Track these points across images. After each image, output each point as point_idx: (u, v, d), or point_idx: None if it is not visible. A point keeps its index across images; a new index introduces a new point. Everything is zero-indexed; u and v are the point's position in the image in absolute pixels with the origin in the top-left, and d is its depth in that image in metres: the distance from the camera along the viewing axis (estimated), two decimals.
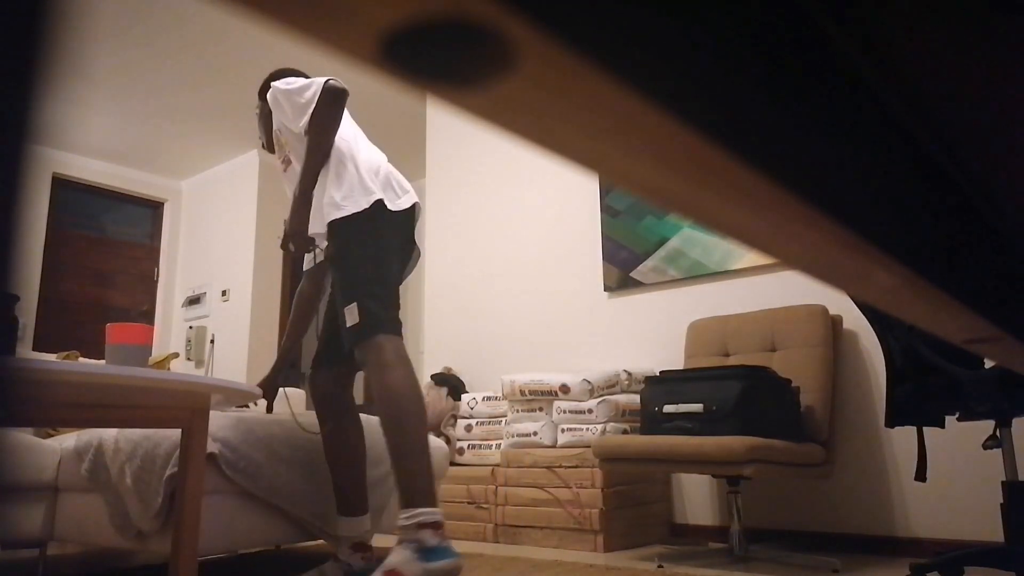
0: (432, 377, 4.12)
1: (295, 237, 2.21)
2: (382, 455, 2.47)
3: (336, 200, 2.18)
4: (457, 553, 1.88)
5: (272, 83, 2.29)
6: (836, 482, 3.04)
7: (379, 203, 2.19)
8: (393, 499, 2.67)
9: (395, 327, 2.13)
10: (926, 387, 2.17)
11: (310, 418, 2.61)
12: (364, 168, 2.26)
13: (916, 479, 2.27)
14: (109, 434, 2.32)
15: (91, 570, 2.74)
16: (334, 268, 2.21)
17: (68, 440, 2.58)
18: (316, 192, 2.23)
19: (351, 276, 2.15)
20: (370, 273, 2.16)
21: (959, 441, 2.75)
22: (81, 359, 2.95)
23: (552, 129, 0.21)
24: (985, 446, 2.17)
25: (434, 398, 3.89)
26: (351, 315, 2.08)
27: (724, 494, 3.24)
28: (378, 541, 2.62)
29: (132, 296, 6.06)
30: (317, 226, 2.21)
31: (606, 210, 3.93)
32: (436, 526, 1.85)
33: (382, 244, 2.20)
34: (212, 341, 5.70)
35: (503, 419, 3.56)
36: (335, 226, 2.17)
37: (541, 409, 3.38)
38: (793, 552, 2.79)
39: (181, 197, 6.38)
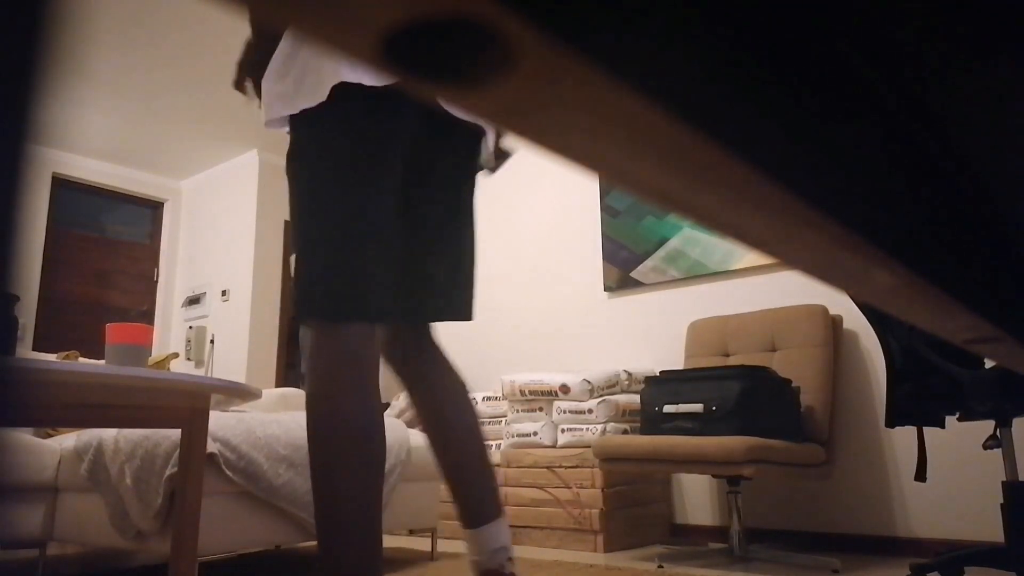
0: None
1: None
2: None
3: (278, 87, 1.32)
4: None
5: None
6: (836, 482, 3.04)
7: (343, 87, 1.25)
8: (392, 499, 2.67)
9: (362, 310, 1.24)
10: (926, 387, 2.17)
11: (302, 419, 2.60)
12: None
13: (916, 479, 2.27)
14: (109, 434, 2.32)
15: (91, 570, 2.74)
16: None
17: (68, 440, 2.58)
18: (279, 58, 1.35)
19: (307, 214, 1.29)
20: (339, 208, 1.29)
21: (959, 441, 2.75)
22: (81, 359, 2.95)
23: (552, 129, 0.21)
24: (985, 446, 2.17)
25: None
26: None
27: (724, 494, 3.24)
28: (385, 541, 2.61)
29: (132, 296, 6.05)
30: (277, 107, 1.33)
31: (606, 210, 3.93)
32: None
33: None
34: (212, 341, 5.69)
35: (503, 419, 3.56)
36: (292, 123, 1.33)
37: (541, 409, 3.38)
38: (793, 552, 2.79)
39: (181, 197, 6.38)
